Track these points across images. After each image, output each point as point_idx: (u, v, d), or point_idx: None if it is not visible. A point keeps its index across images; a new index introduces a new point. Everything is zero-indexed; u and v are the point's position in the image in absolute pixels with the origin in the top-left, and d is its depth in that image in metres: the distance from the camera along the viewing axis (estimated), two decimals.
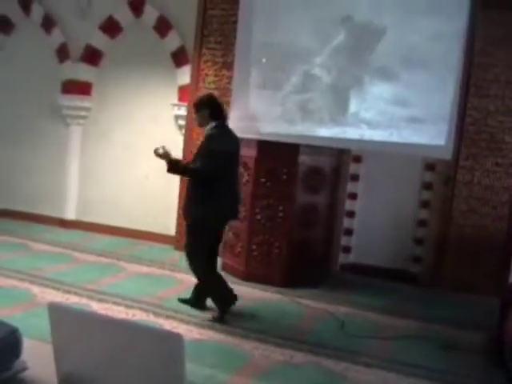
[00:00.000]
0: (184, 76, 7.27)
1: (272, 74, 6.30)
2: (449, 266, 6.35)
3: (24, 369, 1.78)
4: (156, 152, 4.62)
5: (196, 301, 5.06)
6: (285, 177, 6.00)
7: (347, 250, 7.03)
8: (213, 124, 4.84)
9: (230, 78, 6.77)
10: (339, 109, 6.00)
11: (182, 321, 4.69)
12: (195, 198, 4.78)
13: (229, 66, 6.85)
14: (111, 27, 7.66)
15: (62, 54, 7.89)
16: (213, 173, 4.64)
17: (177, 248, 6.98)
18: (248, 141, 6.16)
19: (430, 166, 6.60)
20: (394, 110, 5.76)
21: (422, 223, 6.69)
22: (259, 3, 6.35)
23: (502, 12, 6.10)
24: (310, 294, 5.77)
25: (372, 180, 6.88)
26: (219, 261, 6.20)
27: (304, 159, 6.02)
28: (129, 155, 7.65)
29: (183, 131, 7.23)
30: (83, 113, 7.93)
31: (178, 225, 7.04)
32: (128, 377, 1.51)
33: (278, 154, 6.03)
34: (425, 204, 6.68)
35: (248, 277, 6.07)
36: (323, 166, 6.18)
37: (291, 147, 5.97)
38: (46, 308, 1.63)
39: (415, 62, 5.65)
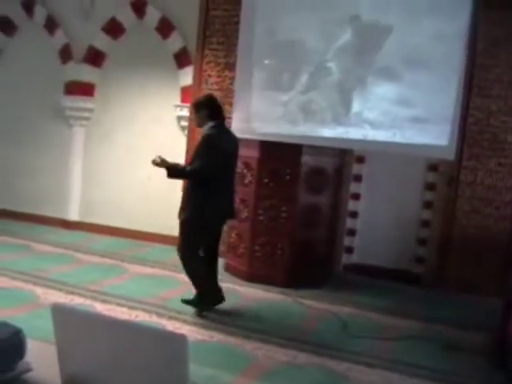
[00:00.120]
0: (186, 77, 7.28)
1: (274, 74, 6.31)
2: (452, 267, 6.34)
3: (28, 370, 1.77)
4: (154, 162, 4.69)
5: (199, 301, 5.06)
6: (288, 177, 6.00)
7: (350, 250, 7.02)
8: (211, 124, 4.86)
9: (233, 78, 6.78)
10: (342, 109, 6.01)
11: (185, 321, 4.69)
12: (194, 198, 4.79)
13: (231, 66, 6.86)
14: (114, 28, 7.67)
15: (65, 55, 7.90)
16: (211, 172, 4.66)
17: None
18: (251, 141, 6.17)
19: (433, 167, 6.59)
20: (397, 110, 5.77)
21: (425, 224, 6.68)
22: (261, 4, 6.36)
23: (504, 12, 6.09)
24: (313, 295, 5.77)
25: (375, 180, 6.87)
26: (222, 261, 6.22)
27: (307, 160, 6.01)
28: (131, 156, 7.65)
29: (186, 132, 7.23)
30: (86, 114, 7.94)
31: None
32: (132, 378, 1.51)
33: (280, 155, 6.03)
34: (428, 204, 6.66)
35: (251, 277, 6.07)
36: (326, 167, 6.17)
37: (294, 148, 5.97)
38: (50, 309, 1.63)
39: (418, 62, 5.65)
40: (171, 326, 4.56)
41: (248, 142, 6.22)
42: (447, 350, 4.55)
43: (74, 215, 8.09)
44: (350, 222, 7.01)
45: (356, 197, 7.00)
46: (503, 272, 5.86)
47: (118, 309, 4.85)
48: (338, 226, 6.65)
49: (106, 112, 7.87)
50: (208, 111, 4.87)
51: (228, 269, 6.38)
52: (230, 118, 6.65)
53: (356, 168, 6.96)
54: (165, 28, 7.36)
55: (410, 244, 6.76)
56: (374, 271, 6.71)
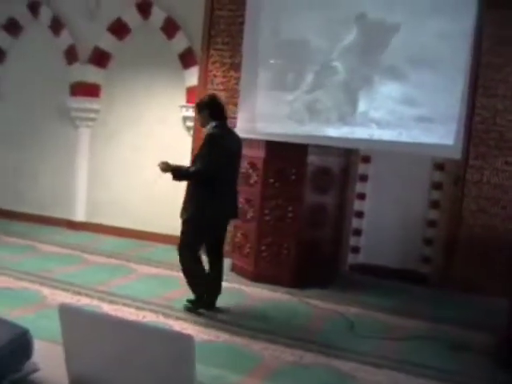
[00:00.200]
0: (192, 77, 7.28)
1: (280, 74, 6.31)
2: (458, 267, 6.32)
3: (35, 370, 1.78)
4: (160, 168, 4.79)
5: (205, 301, 5.06)
6: (293, 177, 5.99)
7: (356, 250, 7.01)
8: (213, 124, 4.88)
9: (238, 79, 6.78)
10: (348, 108, 6.00)
11: (191, 322, 4.69)
12: (196, 197, 4.82)
13: (236, 66, 6.87)
14: (119, 29, 7.69)
15: (71, 55, 7.92)
16: (214, 172, 4.68)
17: None
18: (256, 141, 6.18)
19: (439, 166, 6.57)
20: (403, 110, 5.76)
21: (431, 223, 6.66)
22: (266, 4, 6.36)
23: (510, 12, 6.07)
24: (319, 295, 5.77)
25: (381, 180, 6.85)
26: (228, 261, 6.23)
27: (312, 159, 6.01)
28: (137, 157, 7.66)
29: (191, 132, 7.24)
30: (92, 115, 7.96)
31: None
32: (139, 378, 1.51)
33: (286, 155, 6.02)
34: (434, 204, 6.65)
35: (257, 277, 6.07)
36: (332, 167, 6.17)
37: (300, 147, 5.96)
38: (57, 309, 1.63)
39: (424, 61, 5.65)
40: (178, 326, 4.56)
41: (253, 142, 6.22)
42: (453, 350, 4.54)
43: (80, 216, 8.10)
44: (355, 222, 7.00)
45: (362, 196, 6.99)
46: (510, 272, 5.84)
47: (125, 309, 4.86)
48: (343, 226, 6.64)
49: (112, 113, 7.89)
50: (210, 111, 4.91)
51: (234, 269, 6.38)
52: (235, 118, 6.66)
53: (362, 168, 6.94)
54: (170, 28, 7.37)
55: (417, 244, 6.74)
56: (380, 271, 6.70)
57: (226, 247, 6.35)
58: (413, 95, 5.73)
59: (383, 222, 6.86)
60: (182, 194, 7.15)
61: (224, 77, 7.08)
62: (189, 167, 4.87)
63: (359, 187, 6.96)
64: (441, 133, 5.66)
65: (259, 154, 6.10)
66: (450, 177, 6.42)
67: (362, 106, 5.96)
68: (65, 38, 7.92)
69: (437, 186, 6.63)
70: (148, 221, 7.60)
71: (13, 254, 6.40)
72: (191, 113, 7.17)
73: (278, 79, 6.33)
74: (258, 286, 5.93)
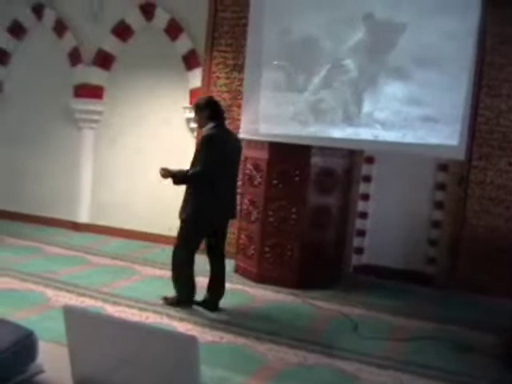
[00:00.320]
0: (195, 79, 7.29)
1: (284, 75, 6.31)
2: (463, 267, 6.31)
3: (40, 372, 1.78)
4: (160, 174, 4.86)
5: (209, 303, 5.07)
6: (297, 178, 5.99)
7: (360, 251, 7.00)
8: (211, 125, 4.90)
9: (241, 80, 6.79)
10: (353, 109, 5.99)
11: (195, 323, 4.69)
12: (193, 198, 4.85)
13: (240, 68, 6.87)
14: (123, 31, 7.70)
15: (74, 58, 7.93)
16: (212, 173, 4.72)
17: None
18: (260, 143, 6.18)
19: (443, 167, 6.55)
20: (408, 110, 5.75)
21: (435, 224, 6.65)
22: (269, 5, 6.36)
23: None
24: (323, 296, 5.76)
25: (384, 181, 6.84)
26: (232, 263, 6.23)
27: (316, 161, 6.01)
28: (141, 158, 7.67)
29: (195, 134, 7.24)
30: (95, 116, 7.97)
31: None
32: (143, 380, 1.51)
33: (290, 156, 6.03)
34: (438, 205, 6.63)
35: (261, 279, 6.07)
36: (335, 168, 6.17)
37: (303, 149, 5.96)
38: (61, 311, 1.64)
39: (429, 61, 5.64)
40: (182, 327, 4.56)
41: (257, 143, 6.23)
42: (458, 350, 4.54)
43: (84, 217, 8.12)
44: (359, 223, 6.99)
45: (365, 197, 6.98)
46: None
47: (129, 310, 4.86)
48: (347, 227, 6.63)
49: (115, 114, 7.90)
50: (208, 112, 4.94)
51: (238, 270, 6.38)
52: (238, 119, 6.67)
53: (365, 168, 6.94)
54: (173, 30, 7.38)
55: (421, 244, 6.73)
56: (384, 272, 6.69)
57: (231, 249, 6.38)
58: (418, 95, 5.72)
59: (387, 223, 6.84)
60: None
61: (227, 78, 7.09)
62: (187, 170, 4.88)
63: (363, 188, 6.95)
64: (445, 133, 5.66)
65: (263, 155, 6.10)
66: (454, 177, 6.40)
67: (366, 106, 5.95)
68: (68, 40, 7.94)
69: (440, 186, 6.62)
70: (152, 222, 7.61)
71: (17, 255, 6.41)
72: None
73: (281, 80, 6.33)
74: (261, 288, 5.93)
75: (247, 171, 6.30)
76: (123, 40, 7.77)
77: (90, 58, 7.84)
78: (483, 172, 6.28)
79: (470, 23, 5.54)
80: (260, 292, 5.80)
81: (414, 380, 3.95)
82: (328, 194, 6.14)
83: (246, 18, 6.65)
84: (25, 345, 1.77)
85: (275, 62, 6.33)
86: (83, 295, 5.17)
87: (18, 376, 1.72)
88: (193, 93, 7.28)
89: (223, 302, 5.11)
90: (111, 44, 7.78)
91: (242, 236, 6.38)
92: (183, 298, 5.04)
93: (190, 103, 7.29)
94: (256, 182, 6.17)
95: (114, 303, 5.01)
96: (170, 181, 4.88)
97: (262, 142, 6.16)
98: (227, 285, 5.25)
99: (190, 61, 7.34)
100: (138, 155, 7.70)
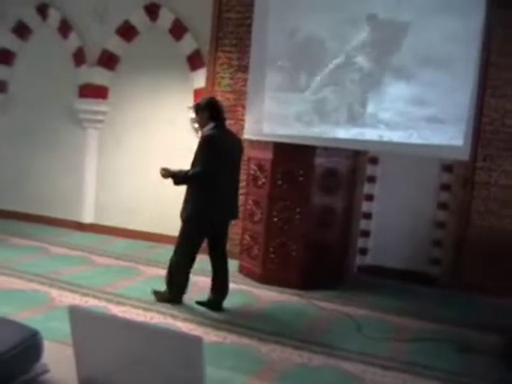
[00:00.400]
0: (199, 79, 7.29)
1: (288, 75, 6.31)
2: (467, 268, 6.30)
3: (45, 371, 1.79)
4: (160, 174, 4.91)
5: (213, 303, 5.07)
6: (301, 179, 5.99)
7: (364, 251, 7.00)
8: (211, 125, 4.91)
9: (246, 80, 6.79)
10: (357, 109, 5.99)
11: (199, 323, 4.69)
12: (194, 197, 4.87)
13: (244, 68, 6.87)
14: (127, 31, 7.71)
15: (79, 58, 7.95)
16: (212, 173, 4.74)
17: None
18: (264, 143, 6.19)
19: (448, 167, 6.54)
20: (413, 110, 5.74)
21: (439, 225, 6.64)
22: (274, 5, 6.36)
23: None
24: (327, 296, 5.76)
25: (389, 181, 6.84)
26: (236, 263, 6.23)
27: (320, 161, 6.00)
28: (145, 158, 7.68)
29: (199, 134, 7.22)
30: (100, 117, 7.98)
31: None
32: (148, 379, 1.51)
33: (294, 156, 6.02)
34: (442, 205, 6.62)
35: (265, 279, 6.07)
36: (340, 168, 6.16)
37: (307, 149, 5.96)
38: (66, 311, 1.64)
39: (433, 61, 5.63)
40: (185, 327, 4.56)
41: (261, 143, 6.23)
42: (462, 351, 4.52)
43: (88, 217, 8.13)
44: (363, 224, 6.99)
45: (370, 198, 6.98)
46: None
47: (133, 311, 4.86)
48: (351, 228, 6.62)
49: (120, 114, 7.91)
50: (209, 112, 4.96)
51: (242, 271, 6.38)
52: (243, 120, 6.68)
53: (370, 169, 6.94)
54: (178, 30, 7.38)
55: (425, 245, 6.72)
56: (388, 272, 6.68)
57: (235, 249, 6.38)
58: (423, 95, 5.71)
59: (391, 224, 6.84)
60: None
61: (232, 78, 7.09)
62: (188, 171, 4.89)
63: (367, 188, 6.95)
64: (450, 134, 5.65)
65: (267, 155, 6.10)
66: (458, 178, 6.39)
67: (371, 107, 5.95)
68: (73, 41, 7.96)
69: (445, 187, 6.61)
70: (156, 222, 7.61)
71: (21, 255, 6.42)
72: None
73: (286, 81, 6.33)
74: (265, 288, 5.92)
75: (251, 171, 6.30)
76: (128, 40, 7.78)
77: (94, 59, 7.85)
78: (488, 173, 6.26)
79: (474, 23, 5.53)
80: (264, 292, 5.80)
81: (417, 381, 3.94)
82: (332, 195, 6.13)
83: (250, 18, 6.65)
84: (30, 344, 1.78)
85: (279, 63, 6.34)
86: (87, 295, 5.18)
87: (23, 375, 1.73)
88: (197, 93, 7.28)
89: (227, 303, 5.11)
90: (116, 44, 7.79)
91: (246, 236, 6.38)
92: (173, 296, 5.08)
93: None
94: (260, 183, 6.17)
95: (118, 303, 5.01)
96: (170, 181, 4.89)
97: (267, 143, 6.16)
98: (231, 285, 5.26)
99: (194, 61, 7.34)
100: (143, 155, 7.71)
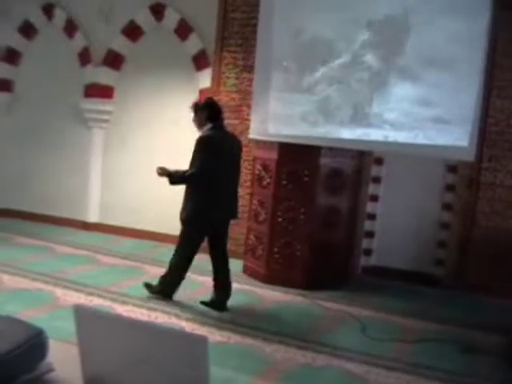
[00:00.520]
0: (205, 79, 7.29)
1: (293, 76, 6.31)
2: (471, 269, 6.29)
3: (50, 370, 1.79)
4: (157, 173, 4.94)
5: (217, 303, 5.08)
6: (306, 179, 5.99)
7: (368, 252, 6.99)
8: (209, 126, 4.92)
9: (251, 80, 6.79)
10: (363, 110, 5.98)
11: (203, 323, 4.70)
12: (193, 198, 4.88)
13: (250, 68, 6.87)
14: (133, 31, 7.72)
15: (84, 58, 7.96)
16: (209, 174, 4.75)
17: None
18: (269, 143, 6.19)
19: (453, 168, 6.54)
20: (418, 111, 5.74)
21: (444, 226, 6.63)
22: (279, 6, 6.36)
23: None
24: (332, 297, 5.76)
25: (394, 182, 6.83)
26: (240, 263, 6.24)
27: (325, 161, 6.00)
28: (150, 158, 7.66)
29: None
30: (105, 116, 8.00)
31: None
32: (153, 379, 1.52)
33: (299, 156, 6.02)
34: (447, 206, 6.61)
35: (269, 279, 6.07)
36: (344, 168, 6.15)
37: (312, 149, 5.96)
38: (71, 310, 1.64)
39: (438, 62, 5.63)
40: (189, 327, 4.57)
41: (266, 143, 6.23)
42: (466, 352, 4.52)
43: (93, 217, 8.14)
44: (368, 224, 6.98)
45: (374, 198, 6.97)
46: None
47: (138, 310, 4.87)
48: (356, 228, 6.61)
49: (125, 114, 7.92)
50: (207, 113, 4.97)
51: (246, 271, 6.38)
52: (248, 120, 6.68)
53: (375, 169, 6.93)
54: (183, 30, 7.39)
55: (429, 246, 6.72)
56: (393, 273, 6.67)
57: (239, 249, 6.39)
58: (428, 96, 5.70)
59: (396, 224, 6.83)
60: None
61: (237, 78, 7.09)
62: (185, 171, 4.89)
63: (372, 189, 6.95)
64: (456, 134, 5.64)
65: (272, 155, 6.10)
66: (463, 179, 6.38)
67: (376, 107, 5.94)
68: (79, 40, 7.97)
69: (450, 188, 6.60)
70: (161, 222, 7.61)
71: (26, 254, 6.44)
72: None
73: (291, 81, 6.33)
74: (270, 288, 5.92)
75: (256, 171, 6.30)
76: (133, 40, 7.79)
77: (99, 58, 7.86)
78: (493, 174, 6.25)
79: (480, 25, 5.52)
80: (268, 292, 5.80)
81: (421, 382, 3.94)
82: (337, 195, 6.13)
83: (255, 18, 6.65)
84: (35, 343, 1.78)
85: (285, 63, 6.33)
86: (92, 294, 5.18)
87: (28, 374, 1.74)
88: (202, 93, 7.28)
89: (231, 302, 5.12)
90: (121, 44, 7.80)
91: (251, 236, 6.38)
92: (166, 292, 5.13)
93: None
94: (265, 183, 6.17)
95: (123, 303, 5.02)
96: (166, 180, 4.91)
97: (272, 143, 6.17)
98: (235, 285, 5.26)
99: (199, 61, 7.35)
100: (148, 155, 7.70)
